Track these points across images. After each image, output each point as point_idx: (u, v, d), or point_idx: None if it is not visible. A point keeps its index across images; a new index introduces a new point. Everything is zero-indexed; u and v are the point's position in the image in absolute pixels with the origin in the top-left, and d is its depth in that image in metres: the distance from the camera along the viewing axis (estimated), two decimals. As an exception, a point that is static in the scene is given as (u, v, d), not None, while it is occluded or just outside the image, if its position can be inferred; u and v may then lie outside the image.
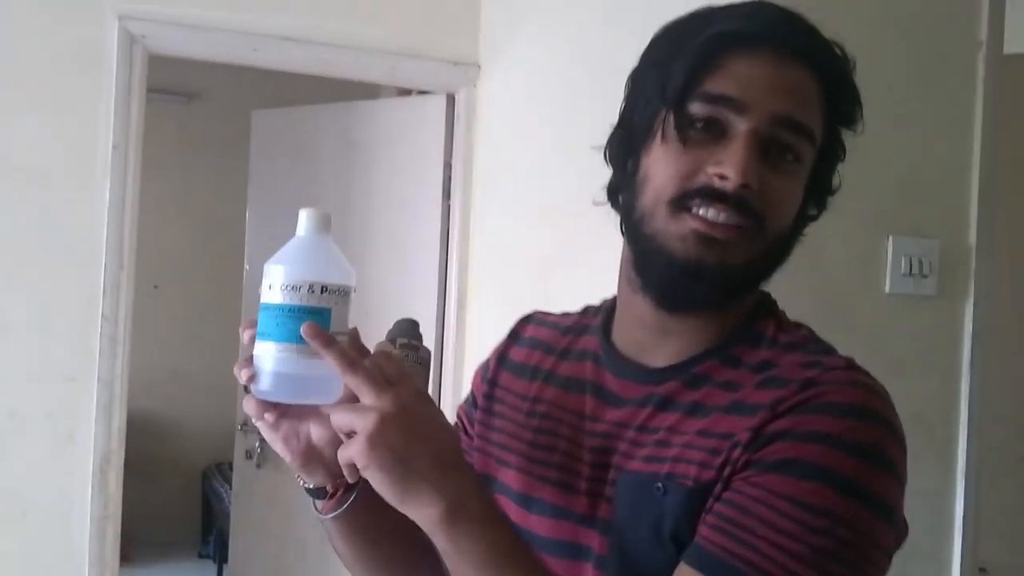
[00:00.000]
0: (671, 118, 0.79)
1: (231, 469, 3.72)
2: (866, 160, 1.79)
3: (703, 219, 0.78)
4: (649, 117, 0.82)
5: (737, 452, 0.75)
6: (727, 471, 0.75)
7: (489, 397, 0.99)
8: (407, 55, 2.69)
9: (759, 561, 0.70)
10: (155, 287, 4.74)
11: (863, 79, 1.70)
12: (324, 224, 0.79)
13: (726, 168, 0.77)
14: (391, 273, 2.96)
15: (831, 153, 0.85)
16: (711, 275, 0.78)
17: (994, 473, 2.05)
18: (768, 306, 0.88)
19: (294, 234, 0.80)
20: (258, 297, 0.79)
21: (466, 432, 1.02)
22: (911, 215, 1.82)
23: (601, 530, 0.83)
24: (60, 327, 2.43)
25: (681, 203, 0.79)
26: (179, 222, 4.92)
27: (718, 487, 0.76)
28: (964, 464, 1.81)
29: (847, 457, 0.72)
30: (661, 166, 0.80)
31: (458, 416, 1.05)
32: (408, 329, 0.96)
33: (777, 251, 0.82)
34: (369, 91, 3.47)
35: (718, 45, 0.79)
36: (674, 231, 0.79)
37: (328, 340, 0.74)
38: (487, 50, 2.72)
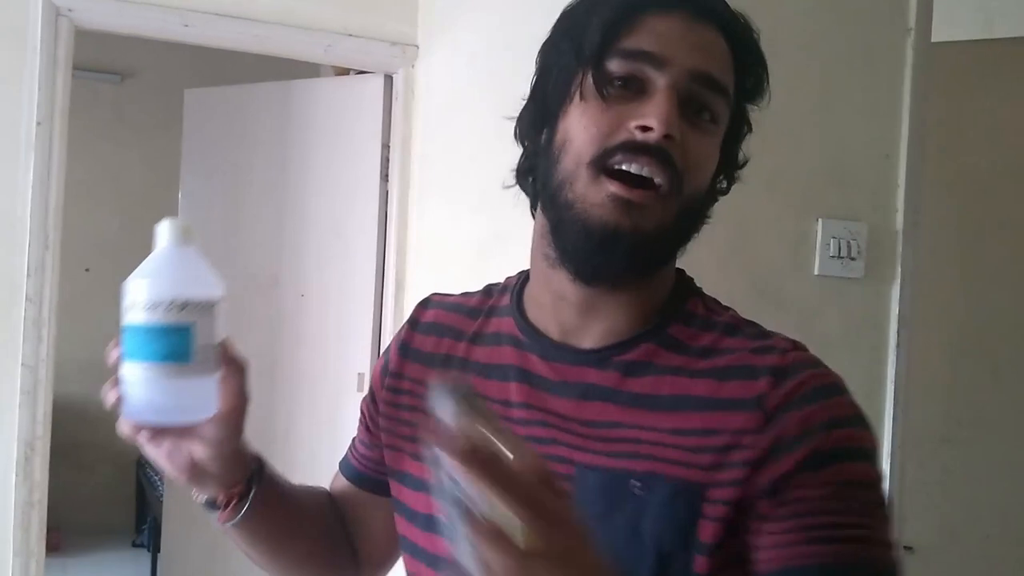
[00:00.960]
0: (589, 77, 0.78)
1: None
2: (796, 144, 1.82)
3: (621, 181, 0.76)
4: (565, 81, 0.80)
5: (737, 455, 0.74)
6: (725, 475, 0.74)
7: (395, 390, 0.95)
8: (344, 33, 2.65)
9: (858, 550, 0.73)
10: (86, 270, 4.63)
11: (795, 64, 1.72)
12: (185, 235, 0.76)
13: (649, 119, 0.75)
14: (329, 256, 2.93)
15: (738, 125, 0.85)
16: (626, 242, 0.77)
17: (919, 453, 2.10)
18: (688, 283, 0.88)
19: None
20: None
21: (368, 428, 0.99)
22: (840, 198, 1.84)
23: None
24: (-19, 309, 2.36)
25: (602, 162, 0.77)
26: (111, 204, 4.81)
27: (720, 491, 0.74)
28: (890, 444, 1.85)
29: (853, 431, 0.76)
30: (581, 126, 0.78)
31: (361, 411, 1.02)
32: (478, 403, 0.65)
33: (689, 218, 0.81)
34: (309, 71, 3.41)
35: (631, 6, 0.79)
36: (592, 198, 0.77)
37: None
38: (426, 30, 2.69)
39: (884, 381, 1.86)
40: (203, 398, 0.76)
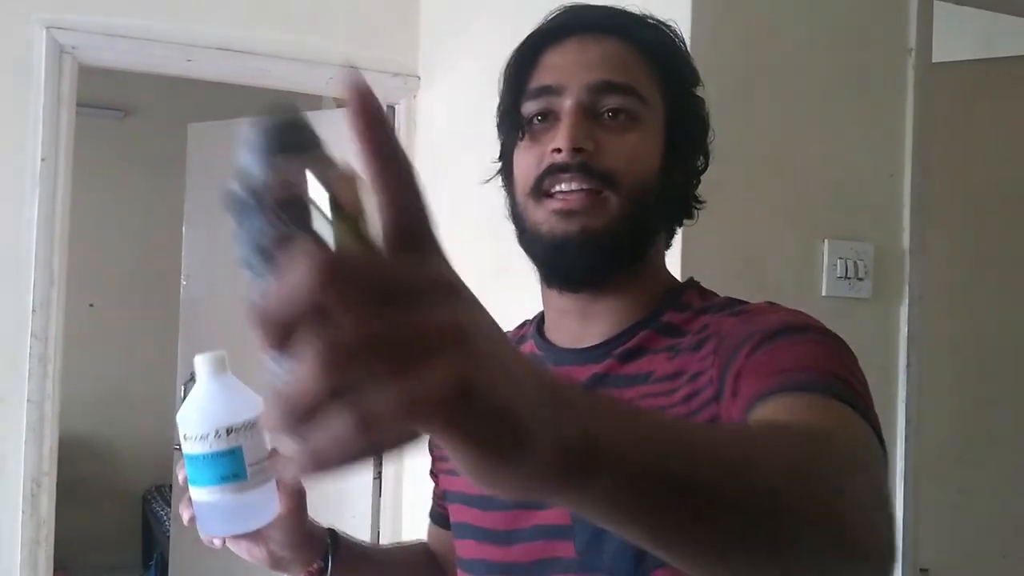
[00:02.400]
0: (513, 122, 0.90)
1: (172, 492, 3.63)
2: (800, 166, 1.82)
3: (557, 196, 0.85)
4: (506, 130, 0.92)
5: (704, 379, 0.78)
6: (701, 397, 0.78)
7: None
8: (345, 66, 2.66)
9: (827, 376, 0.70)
10: (91, 306, 4.63)
11: (797, 87, 1.72)
12: (219, 365, 0.83)
13: (557, 142, 0.84)
14: (333, 286, 2.93)
15: (680, 110, 0.90)
16: (577, 243, 0.84)
17: (933, 473, 2.08)
18: (688, 282, 0.93)
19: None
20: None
21: (431, 471, 1.07)
22: (845, 219, 1.84)
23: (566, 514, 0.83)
24: (-13, 346, 2.36)
25: (539, 189, 0.86)
26: (115, 240, 4.81)
27: (704, 412, 0.77)
28: (903, 465, 1.83)
29: (807, 318, 0.78)
30: (519, 165, 0.89)
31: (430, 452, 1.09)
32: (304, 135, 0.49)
33: (642, 207, 0.85)
34: (311, 103, 3.43)
35: (533, 47, 0.90)
36: (540, 219, 0.86)
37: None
38: (427, 61, 2.70)
39: (895, 401, 1.85)
40: (264, 505, 0.84)
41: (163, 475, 4.29)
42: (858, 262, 1.81)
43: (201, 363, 0.83)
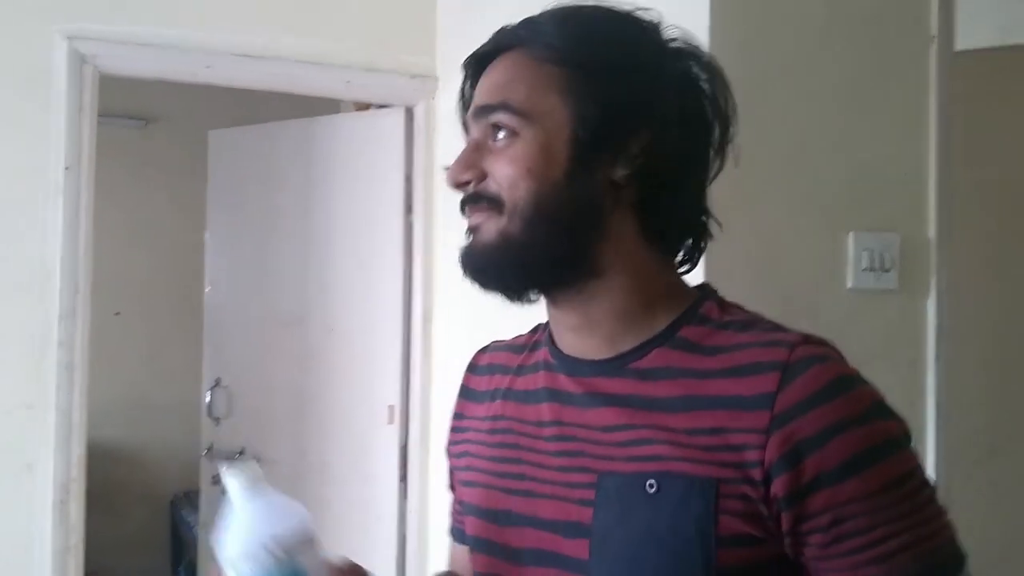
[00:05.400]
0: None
1: (200, 497, 3.65)
2: (823, 157, 1.80)
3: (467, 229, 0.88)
4: None
5: (750, 454, 0.76)
6: (740, 473, 0.76)
7: (457, 430, 1.02)
8: (363, 69, 2.67)
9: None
10: (116, 314, 4.66)
11: (818, 77, 1.70)
12: (255, 482, 0.79)
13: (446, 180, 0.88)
14: (356, 290, 2.93)
15: (593, 100, 0.83)
16: (473, 255, 0.87)
17: (965, 466, 2.05)
18: (708, 293, 0.90)
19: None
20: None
21: (451, 484, 1.05)
22: (870, 210, 1.82)
23: (578, 535, 0.82)
24: (14, 355, 2.37)
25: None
26: (140, 248, 4.84)
27: (737, 487, 0.76)
28: (933, 458, 1.81)
29: (870, 427, 0.76)
30: None
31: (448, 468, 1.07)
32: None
33: (542, 213, 0.83)
34: (330, 107, 3.44)
35: (468, 80, 0.94)
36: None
37: None
38: (444, 63, 2.70)
39: (924, 394, 1.83)
40: None
41: (191, 481, 4.30)
42: (884, 253, 1.79)
43: (233, 481, 0.78)
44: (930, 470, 1.79)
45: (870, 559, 0.75)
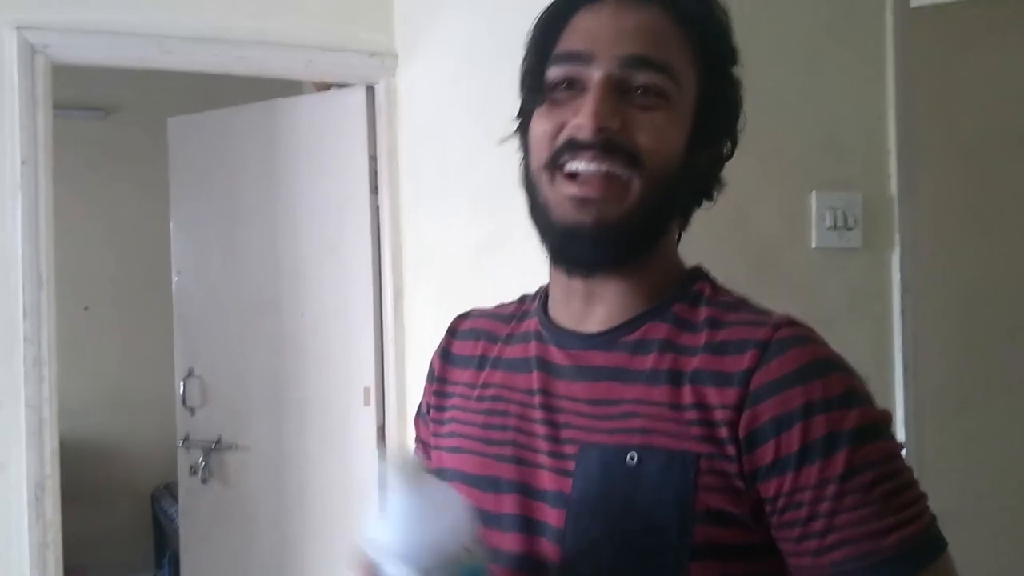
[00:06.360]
0: (535, 84, 0.85)
1: (179, 488, 3.64)
2: (785, 117, 1.80)
3: (575, 179, 0.81)
4: (527, 91, 0.87)
5: (726, 431, 0.76)
6: (717, 448, 0.76)
7: (440, 394, 1.00)
8: (322, 48, 2.64)
9: (854, 550, 0.74)
10: (85, 309, 4.62)
11: (776, 36, 1.70)
12: (417, 471, 0.74)
13: (580, 118, 0.80)
14: (325, 272, 2.91)
15: (712, 91, 0.85)
16: (590, 235, 0.81)
17: (937, 419, 2.08)
18: (702, 273, 0.90)
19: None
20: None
21: (425, 446, 1.02)
22: (832, 169, 1.83)
23: (559, 504, 0.82)
24: (-20, 353, 2.35)
25: (554, 163, 0.82)
26: (105, 241, 4.79)
27: (715, 463, 0.76)
28: (903, 413, 1.84)
29: (839, 413, 0.75)
30: (536, 131, 0.84)
31: (416, 439, 1.05)
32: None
33: (660, 192, 0.81)
34: (291, 89, 3.40)
35: (563, 9, 0.85)
36: (554, 197, 0.83)
37: None
38: (404, 39, 2.68)
39: (892, 350, 1.85)
40: None
41: (170, 472, 4.28)
42: (847, 212, 1.81)
43: (397, 472, 0.73)
44: (900, 424, 1.82)
45: (829, 546, 0.74)
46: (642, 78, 0.80)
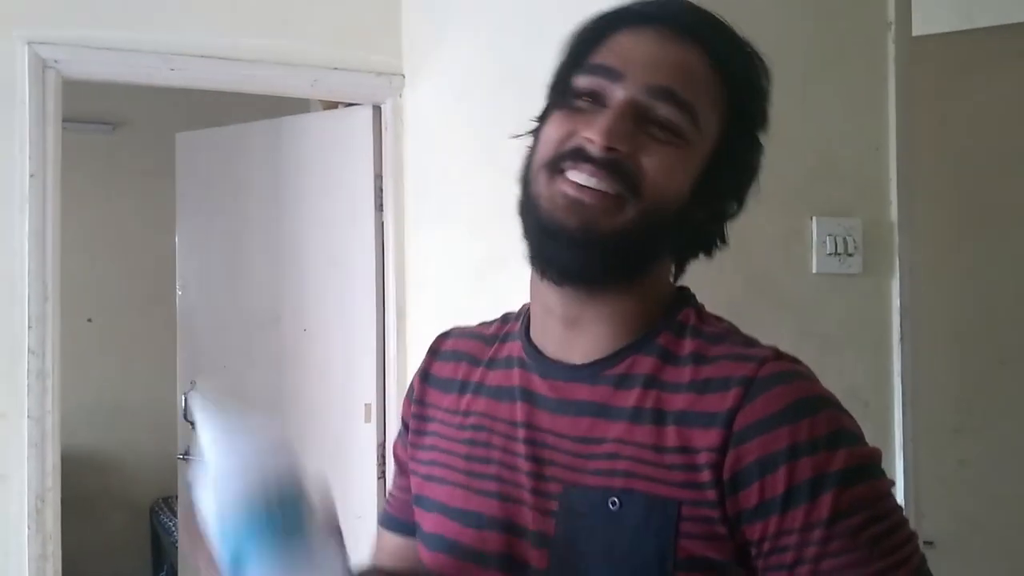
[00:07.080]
0: (560, 89, 0.84)
1: (178, 502, 3.64)
2: (785, 143, 1.81)
3: (573, 182, 0.79)
4: (549, 95, 0.86)
5: (708, 474, 0.75)
6: (699, 494, 0.75)
7: (420, 417, 0.97)
8: (330, 67, 2.67)
9: None
10: (88, 320, 4.63)
11: (776, 61, 1.71)
12: (222, 402, 0.74)
13: (593, 131, 0.78)
14: (329, 289, 2.93)
15: (732, 147, 0.84)
16: (571, 238, 0.79)
17: (933, 445, 2.09)
18: (687, 298, 0.88)
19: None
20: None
21: (402, 471, 0.99)
22: (832, 195, 1.85)
23: (542, 544, 0.81)
24: (-15, 364, 2.36)
25: (555, 165, 0.81)
26: (110, 254, 4.81)
27: (696, 510, 0.75)
28: (901, 438, 1.84)
29: (825, 454, 0.73)
30: (549, 132, 0.83)
31: (394, 457, 1.02)
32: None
33: (656, 227, 0.80)
34: (298, 107, 3.43)
35: (607, 24, 0.84)
36: (546, 193, 0.81)
37: None
38: (411, 59, 2.71)
39: (891, 375, 1.86)
40: None
41: (169, 486, 4.29)
42: (847, 238, 1.82)
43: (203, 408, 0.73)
44: (898, 449, 1.82)
45: None
46: (664, 111, 0.79)
